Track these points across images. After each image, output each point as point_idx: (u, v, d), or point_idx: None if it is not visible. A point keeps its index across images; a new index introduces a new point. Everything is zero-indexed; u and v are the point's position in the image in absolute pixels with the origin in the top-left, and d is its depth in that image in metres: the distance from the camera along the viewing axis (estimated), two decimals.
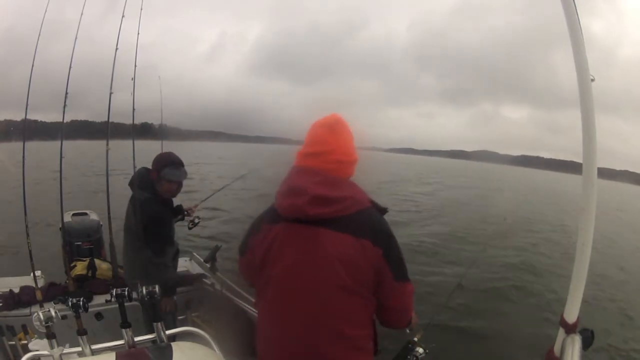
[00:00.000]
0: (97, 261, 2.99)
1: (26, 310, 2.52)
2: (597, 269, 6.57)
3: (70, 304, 1.41)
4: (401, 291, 1.19)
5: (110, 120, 2.90)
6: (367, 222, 1.16)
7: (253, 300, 1.39)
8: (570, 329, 0.98)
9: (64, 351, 1.34)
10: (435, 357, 1.74)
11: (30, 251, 2.74)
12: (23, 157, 2.76)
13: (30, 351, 1.36)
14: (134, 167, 2.47)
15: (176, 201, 2.62)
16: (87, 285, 2.83)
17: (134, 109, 2.88)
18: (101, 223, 3.30)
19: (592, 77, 0.86)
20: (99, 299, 2.70)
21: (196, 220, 2.94)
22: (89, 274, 2.91)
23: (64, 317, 1.36)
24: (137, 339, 1.45)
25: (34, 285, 2.67)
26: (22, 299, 2.60)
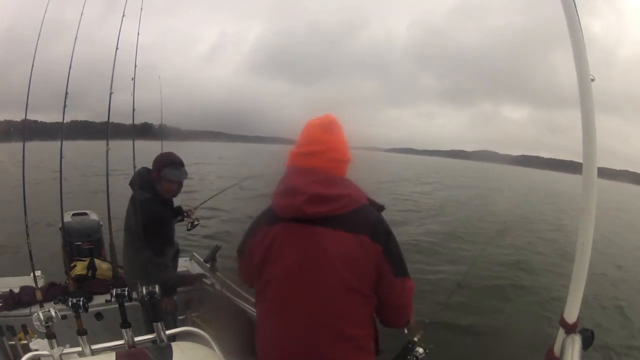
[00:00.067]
0: (97, 261, 2.99)
1: (26, 310, 2.52)
2: (596, 268, 6.57)
3: (70, 304, 1.41)
4: (401, 287, 1.19)
5: (110, 121, 2.91)
6: (365, 219, 1.16)
7: (253, 300, 1.39)
8: (570, 329, 0.98)
9: (64, 351, 1.34)
10: (435, 357, 1.74)
11: (30, 251, 2.74)
12: (23, 157, 2.76)
13: (31, 351, 1.36)
14: (134, 167, 2.47)
15: (176, 201, 2.62)
16: (87, 285, 2.83)
17: (134, 109, 2.88)
18: (101, 223, 3.29)
19: (592, 77, 0.86)
20: (99, 299, 2.70)
21: (195, 222, 2.94)
22: (89, 274, 2.91)
23: (64, 317, 1.36)
24: (137, 339, 1.45)
25: (34, 285, 2.67)
26: (22, 299, 2.60)
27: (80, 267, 2.92)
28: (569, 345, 0.97)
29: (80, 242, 3.13)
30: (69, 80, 2.75)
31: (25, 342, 2.23)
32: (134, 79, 2.75)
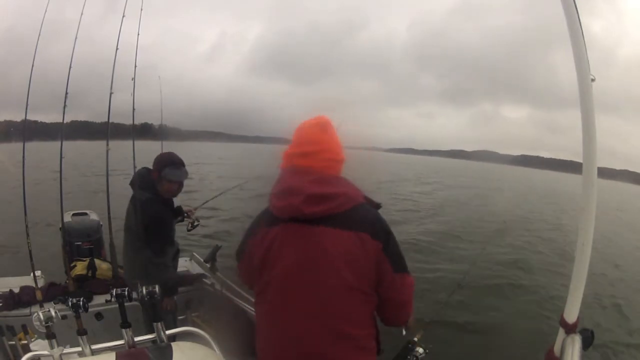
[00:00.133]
0: (97, 261, 2.99)
1: (26, 310, 2.52)
2: (595, 268, 6.58)
3: (70, 304, 1.41)
4: (401, 283, 1.19)
5: (110, 121, 2.90)
6: (364, 217, 1.17)
7: (253, 300, 1.39)
8: (570, 329, 0.98)
9: (64, 351, 1.34)
10: (435, 357, 1.74)
11: (30, 251, 2.74)
12: (23, 157, 2.76)
13: (31, 351, 1.36)
14: (134, 167, 2.47)
15: (176, 201, 2.62)
16: (87, 285, 2.83)
17: (134, 109, 2.87)
18: (101, 223, 3.30)
19: (592, 77, 0.86)
20: (99, 299, 2.70)
21: (195, 223, 2.95)
22: (89, 274, 2.91)
23: (64, 317, 1.36)
24: (137, 339, 1.45)
25: (34, 285, 2.67)
26: (22, 299, 2.60)
27: (80, 267, 2.92)
28: (569, 345, 0.97)
29: (80, 242, 3.13)
30: (69, 80, 2.75)
31: (25, 342, 2.23)
32: (134, 79, 2.74)
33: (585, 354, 0.97)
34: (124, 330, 1.43)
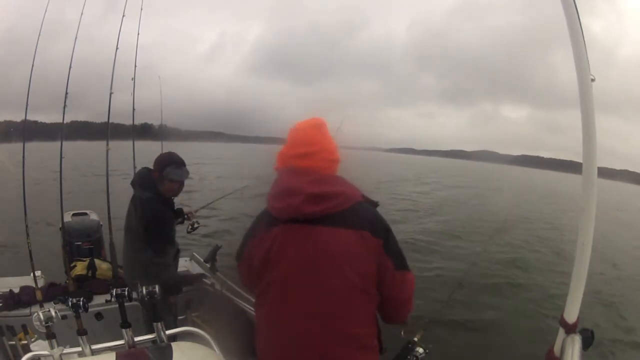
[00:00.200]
0: (97, 261, 2.99)
1: (26, 310, 2.52)
2: (595, 268, 6.59)
3: (70, 304, 1.41)
4: (402, 280, 1.19)
5: (110, 121, 2.90)
6: (363, 215, 1.17)
7: (253, 300, 1.39)
8: (570, 329, 0.98)
9: (64, 351, 1.34)
10: (435, 357, 1.74)
11: (30, 251, 2.75)
12: (23, 157, 2.76)
13: (31, 351, 1.36)
14: (134, 167, 2.47)
15: (176, 201, 2.62)
16: (87, 285, 2.83)
17: (134, 109, 2.87)
18: (101, 223, 3.29)
19: (592, 77, 0.86)
20: (99, 299, 2.70)
21: (196, 225, 2.94)
22: (89, 274, 2.91)
23: (64, 317, 1.36)
24: (137, 339, 1.45)
25: (34, 285, 2.67)
26: (22, 299, 2.60)
27: (80, 267, 2.92)
28: (569, 345, 0.97)
29: (80, 242, 3.13)
30: (69, 81, 2.75)
31: (25, 342, 2.23)
32: (134, 79, 2.75)
33: (584, 353, 0.98)
34: (124, 330, 1.43)
